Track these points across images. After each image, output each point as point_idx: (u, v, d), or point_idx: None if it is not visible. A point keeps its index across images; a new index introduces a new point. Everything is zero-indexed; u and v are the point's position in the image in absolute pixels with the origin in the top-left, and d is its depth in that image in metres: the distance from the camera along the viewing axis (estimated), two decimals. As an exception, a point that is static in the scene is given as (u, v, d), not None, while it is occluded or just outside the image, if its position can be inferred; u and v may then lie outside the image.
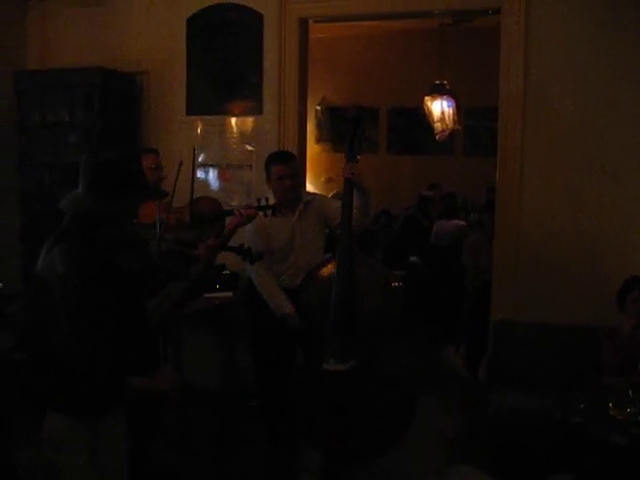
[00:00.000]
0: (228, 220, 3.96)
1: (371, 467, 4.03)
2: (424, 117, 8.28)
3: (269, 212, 3.86)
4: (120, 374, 2.43)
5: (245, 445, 4.58)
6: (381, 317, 3.69)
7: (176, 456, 4.30)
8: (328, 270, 3.80)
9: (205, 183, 5.54)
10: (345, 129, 3.96)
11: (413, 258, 7.95)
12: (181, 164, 3.54)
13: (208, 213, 3.92)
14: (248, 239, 4.14)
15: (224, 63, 5.44)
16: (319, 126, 10.11)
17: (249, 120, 5.44)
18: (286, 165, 4.12)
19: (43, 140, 5.45)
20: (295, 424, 3.93)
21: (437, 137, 8.27)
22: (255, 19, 5.32)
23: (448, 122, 8.06)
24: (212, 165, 5.57)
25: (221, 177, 5.55)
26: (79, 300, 2.34)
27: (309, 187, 6.58)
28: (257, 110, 5.39)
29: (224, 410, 5.07)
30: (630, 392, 3.53)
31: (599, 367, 4.12)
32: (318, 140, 10.04)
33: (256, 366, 4.35)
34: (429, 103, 8.06)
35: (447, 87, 8.00)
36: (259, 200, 3.90)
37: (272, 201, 3.98)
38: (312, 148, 8.68)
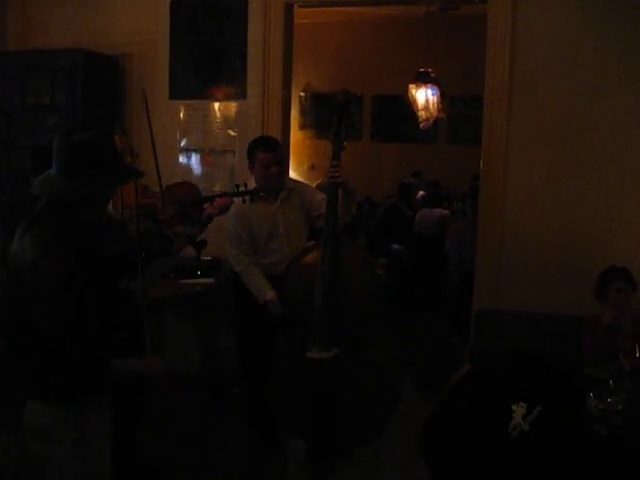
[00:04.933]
0: (205, 206, 3.93)
1: (355, 456, 4.03)
2: (408, 105, 8.27)
3: (247, 198, 3.81)
4: (102, 360, 2.39)
5: (229, 434, 4.55)
6: (365, 304, 3.68)
7: (159, 445, 4.27)
8: (312, 257, 3.78)
9: (187, 168, 5.50)
10: (331, 114, 3.91)
11: (396, 246, 7.96)
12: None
13: (184, 200, 3.87)
14: (230, 225, 4.12)
15: (208, 47, 5.38)
16: (303, 112, 10.08)
17: (232, 105, 5.39)
18: (272, 153, 4.04)
19: (23, 123, 5.37)
20: (279, 413, 3.91)
21: (421, 125, 8.27)
22: (240, 3, 5.26)
23: (432, 110, 8.06)
24: (195, 150, 5.52)
25: (203, 162, 5.50)
26: (53, 288, 2.29)
27: (292, 174, 6.54)
28: (241, 95, 5.34)
29: (206, 398, 5.04)
30: (611, 382, 3.54)
31: (581, 357, 4.14)
32: (302, 127, 10.02)
33: (239, 352, 4.33)
34: (413, 91, 8.05)
35: (432, 75, 7.99)
36: (237, 186, 3.86)
37: (252, 186, 3.93)
38: (296, 135, 8.66)
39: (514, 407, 2.23)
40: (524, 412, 2.22)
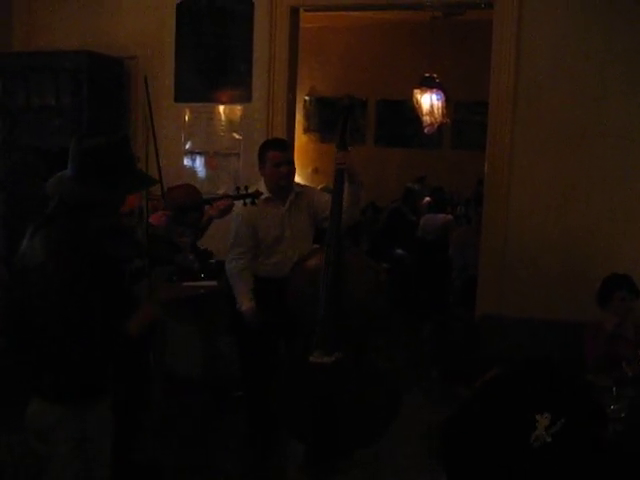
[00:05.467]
0: (206, 208, 3.96)
1: (355, 458, 4.02)
2: (413, 110, 8.29)
3: (248, 201, 3.85)
4: (103, 361, 2.40)
5: (230, 436, 4.54)
6: (368, 309, 3.68)
7: (160, 446, 4.26)
8: (316, 261, 3.77)
9: (192, 171, 5.50)
10: (336, 118, 3.92)
11: (399, 251, 7.95)
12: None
13: (184, 202, 3.89)
14: (234, 226, 4.12)
15: (213, 50, 5.40)
16: (307, 116, 10.08)
17: (237, 108, 5.39)
18: (284, 152, 4.07)
19: (28, 124, 5.38)
20: (280, 416, 3.91)
21: (425, 130, 8.29)
22: (246, 6, 5.27)
23: (436, 115, 8.08)
24: (199, 153, 5.52)
25: (208, 165, 5.51)
26: (58, 288, 2.30)
27: (296, 178, 6.53)
28: (246, 98, 5.35)
29: (208, 400, 5.03)
30: (614, 389, 3.54)
31: (583, 363, 4.13)
32: (306, 130, 10.02)
33: (240, 356, 4.32)
34: (418, 96, 8.07)
35: (436, 80, 8.01)
36: (238, 189, 3.90)
37: (252, 189, 3.96)
38: (300, 138, 8.67)
39: (538, 417, 2.21)
40: (547, 423, 2.20)
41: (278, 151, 4.06)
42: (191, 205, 3.92)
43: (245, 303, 4.00)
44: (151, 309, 2.62)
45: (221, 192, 5.11)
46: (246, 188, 3.93)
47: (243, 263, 4.08)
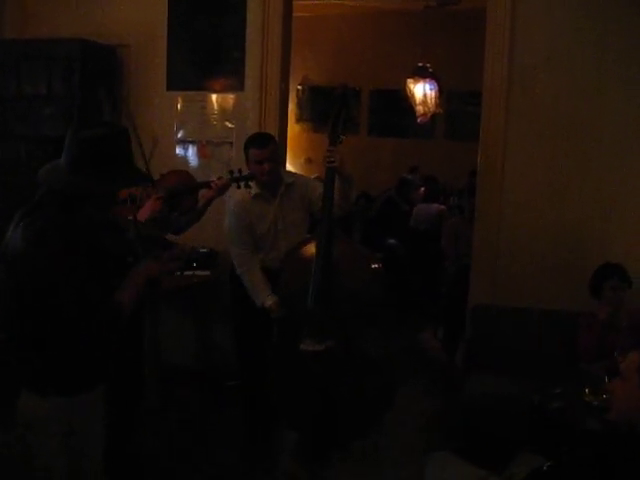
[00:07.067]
0: (201, 193, 3.94)
1: (348, 450, 4.02)
2: (406, 99, 8.28)
3: (242, 183, 3.86)
4: (95, 354, 2.37)
5: (226, 428, 4.53)
6: (360, 298, 3.67)
7: (155, 438, 4.24)
8: (308, 250, 3.77)
9: (184, 159, 5.48)
10: (329, 108, 3.89)
11: (391, 241, 7.94)
12: (155, 143, 3.41)
13: (178, 187, 3.89)
14: (228, 224, 4.10)
15: (206, 39, 5.36)
16: (300, 106, 10.06)
17: (230, 97, 5.37)
18: (264, 149, 3.98)
19: (20, 112, 5.34)
20: (278, 407, 3.90)
21: (418, 120, 8.29)
22: (239, -6, 5.24)
23: (430, 105, 8.08)
24: (192, 141, 5.50)
25: (200, 154, 5.49)
26: (40, 278, 2.26)
27: (288, 167, 6.52)
28: (238, 87, 5.32)
29: (204, 393, 5.02)
30: (606, 378, 3.54)
31: (576, 353, 4.14)
32: (298, 120, 10.01)
33: (237, 347, 4.30)
34: (411, 85, 8.07)
35: (430, 70, 8.00)
36: (232, 172, 3.89)
37: (246, 172, 3.96)
38: (292, 128, 8.64)
39: None
40: None
41: (258, 149, 3.98)
42: (185, 190, 3.92)
43: (268, 300, 3.97)
44: (149, 267, 2.53)
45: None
46: (239, 171, 3.92)
47: (251, 261, 4.07)
